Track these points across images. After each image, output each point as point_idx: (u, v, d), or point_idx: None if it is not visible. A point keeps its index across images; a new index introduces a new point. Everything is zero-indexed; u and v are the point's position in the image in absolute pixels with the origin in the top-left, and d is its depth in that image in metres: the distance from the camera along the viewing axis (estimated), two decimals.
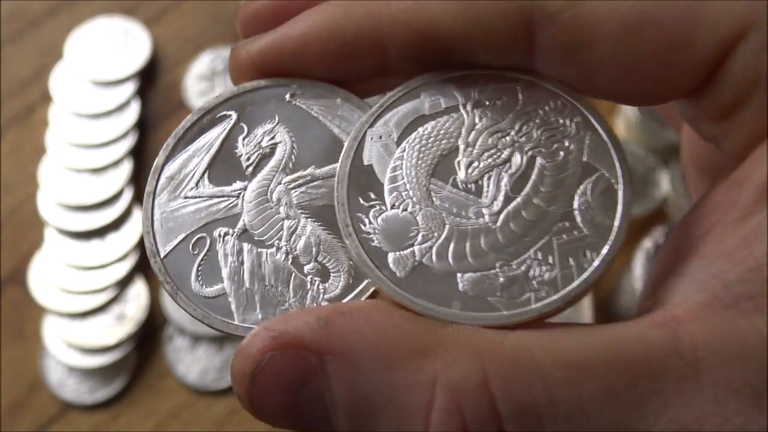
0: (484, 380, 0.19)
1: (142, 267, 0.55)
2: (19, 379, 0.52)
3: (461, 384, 0.19)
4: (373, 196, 0.22)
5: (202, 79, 0.60)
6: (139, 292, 0.54)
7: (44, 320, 0.53)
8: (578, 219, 0.21)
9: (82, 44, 0.61)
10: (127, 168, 0.57)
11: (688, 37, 0.20)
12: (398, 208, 0.22)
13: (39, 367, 0.52)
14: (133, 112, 0.59)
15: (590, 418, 0.19)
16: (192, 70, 0.61)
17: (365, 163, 0.22)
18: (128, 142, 0.58)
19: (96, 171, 0.57)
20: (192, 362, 0.53)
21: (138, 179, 0.57)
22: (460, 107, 0.23)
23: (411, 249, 0.21)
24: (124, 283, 0.54)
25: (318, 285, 0.22)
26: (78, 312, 0.53)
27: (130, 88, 0.59)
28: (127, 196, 0.56)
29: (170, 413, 0.51)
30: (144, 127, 0.59)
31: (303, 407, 0.20)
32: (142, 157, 0.58)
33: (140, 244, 0.55)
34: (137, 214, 0.56)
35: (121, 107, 0.59)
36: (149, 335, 0.54)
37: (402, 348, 0.19)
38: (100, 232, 0.55)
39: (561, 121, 0.22)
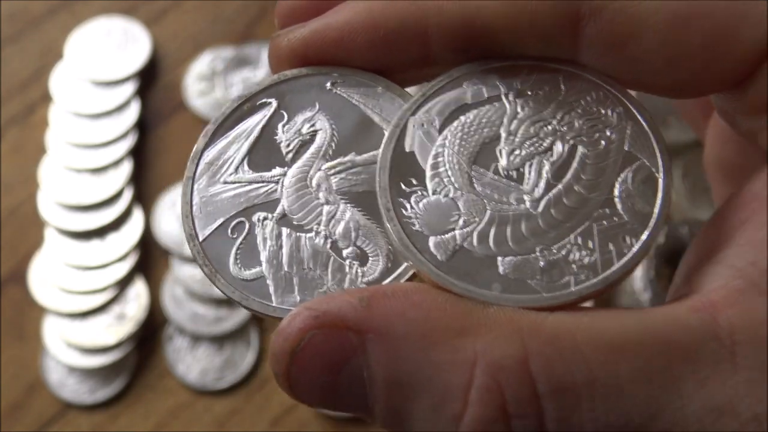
0: (524, 359, 0.19)
1: (142, 267, 0.55)
2: (19, 379, 0.51)
3: (501, 363, 0.19)
4: (414, 182, 0.22)
5: (202, 79, 0.60)
6: (139, 292, 0.54)
7: (44, 320, 0.53)
8: (618, 206, 0.22)
9: (82, 44, 0.60)
10: (127, 168, 0.57)
11: (736, 29, 0.21)
12: (440, 193, 0.22)
13: (39, 367, 0.52)
14: (133, 112, 0.58)
15: (626, 397, 0.19)
16: (192, 70, 0.61)
17: (407, 150, 0.23)
18: (128, 142, 0.57)
19: (96, 171, 0.56)
20: (192, 362, 0.53)
21: (138, 179, 0.57)
22: (503, 97, 0.23)
23: (452, 233, 0.22)
24: (124, 283, 0.54)
25: (356, 269, 0.22)
26: (78, 312, 0.53)
27: (130, 88, 0.59)
28: (127, 196, 0.56)
29: (170, 413, 0.51)
30: (144, 127, 0.59)
31: (341, 386, 0.20)
32: (142, 157, 0.58)
33: (140, 244, 0.55)
34: (137, 214, 0.56)
35: (121, 107, 0.58)
36: (149, 335, 0.53)
37: (443, 328, 0.20)
38: (100, 232, 0.55)
39: (603, 111, 0.23)
